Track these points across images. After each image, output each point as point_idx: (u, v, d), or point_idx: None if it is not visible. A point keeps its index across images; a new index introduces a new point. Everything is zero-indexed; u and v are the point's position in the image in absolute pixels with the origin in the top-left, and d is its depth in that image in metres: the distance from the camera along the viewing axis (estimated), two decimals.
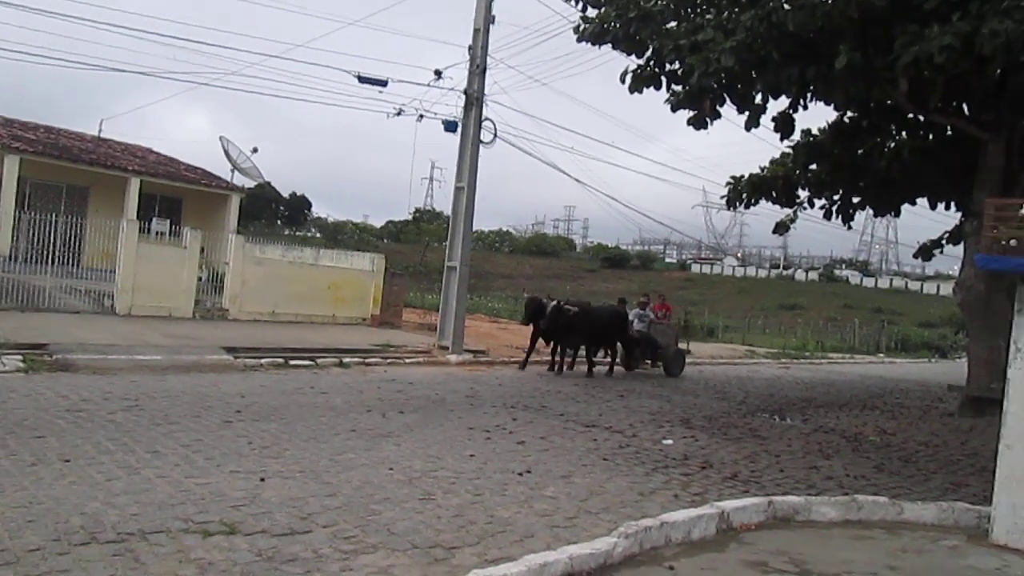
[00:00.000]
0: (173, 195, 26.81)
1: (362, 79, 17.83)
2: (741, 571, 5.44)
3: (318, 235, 66.82)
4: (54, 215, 18.21)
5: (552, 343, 17.02)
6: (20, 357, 10.97)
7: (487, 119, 18.45)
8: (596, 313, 17.47)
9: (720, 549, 5.90)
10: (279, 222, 66.93)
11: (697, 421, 11.97)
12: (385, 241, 69.77)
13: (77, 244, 18.90)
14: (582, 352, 17.75)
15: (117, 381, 10.43)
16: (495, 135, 18.48)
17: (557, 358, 17.04)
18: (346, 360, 14.83)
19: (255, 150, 30.83)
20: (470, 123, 18.25)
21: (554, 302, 16.35)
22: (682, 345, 20.45)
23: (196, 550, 4.80)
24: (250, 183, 33.41)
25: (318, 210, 74.22)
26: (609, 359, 18.21)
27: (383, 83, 18.07)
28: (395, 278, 24.61)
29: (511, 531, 5.79)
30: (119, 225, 18.44)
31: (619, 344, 18.33)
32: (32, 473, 6.00)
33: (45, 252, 17.71)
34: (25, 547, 4.56)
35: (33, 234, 17.84)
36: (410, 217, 74.93)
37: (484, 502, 6.47)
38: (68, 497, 5.50)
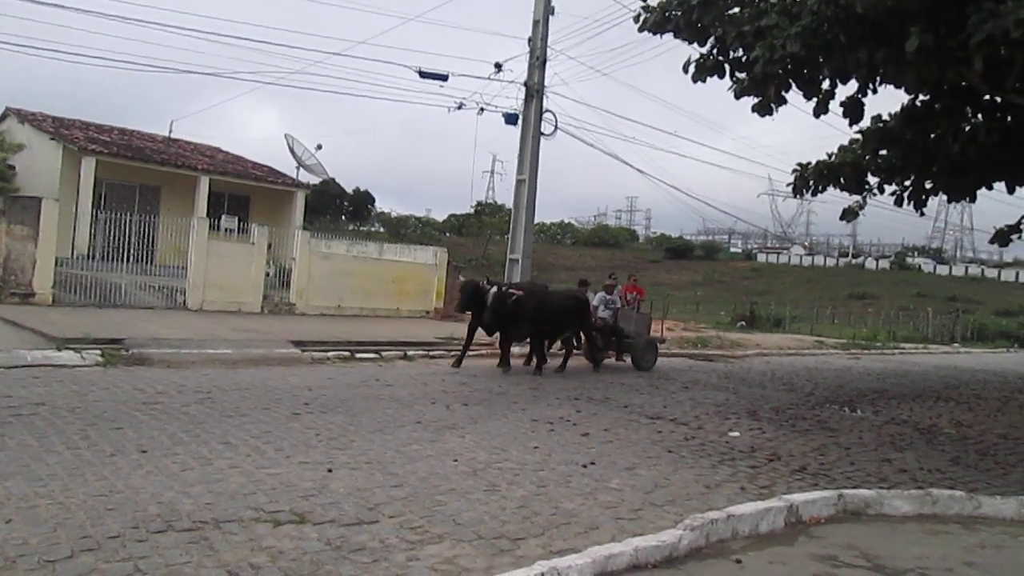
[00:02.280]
0: (241, 193, 27.41)
1: (423, 74, 17.96)
2: (810, 565, 5.34)
3: (382, 230, 67.53)
4: (128, 214, 18.77)
5: (499, 335, 14.61)
6: (99, 352, 11.34)
7: (548, 111, 18.40)
8: (548, 298, 14.98)
9: (788, 543, 5.81)
10: (343, 217, 67.81)
11: (764, 413, 11.78)
12: (447, 235, 70.15)
13: (150, 242, 19.48)
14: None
15: (190, 374, 10.72)
16: (556, 127, 18.44)
17: (542, 352, 14.87)
18: (410, 353, 14.99)
19: (319, 147, 31.29)
20: (530, 115, 18.22)
21: (494, 287, 13.76)
22: (656, 333, 18.22)
23: (267, 538, 4.91)
24: (315, 179, 33.96)
25: (381, 205, 74.91)
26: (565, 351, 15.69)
27: (444, 77, 18.17)
28: (458, 271, 24.74)
29: (576, 523, 5.78)
30: (190, 223, 18.95)
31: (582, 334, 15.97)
32: (111, 463, 6.21)
33: (121, 250, 18.29)
34: (105, 534, 4.72)
35: (109, 233, 18.45)
36: (472, 210, 75.13)
37: (548, 493, 6.48)
38: (145, 486, 5.68)
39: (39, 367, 10.24)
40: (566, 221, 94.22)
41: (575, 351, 15.90)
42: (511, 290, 13.86)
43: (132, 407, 8.33)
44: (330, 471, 6.53)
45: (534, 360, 14.71)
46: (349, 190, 65.18)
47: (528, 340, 15.02)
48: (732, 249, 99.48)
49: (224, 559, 4.55)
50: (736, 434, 9.87)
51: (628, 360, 16.87)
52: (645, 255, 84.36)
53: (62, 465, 6.03)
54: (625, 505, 6.34)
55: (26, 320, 13.15)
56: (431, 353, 15.46)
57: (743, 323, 35.74)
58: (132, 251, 18.49)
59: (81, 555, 4.40)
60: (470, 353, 14.47)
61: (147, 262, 19.23)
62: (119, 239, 18.36)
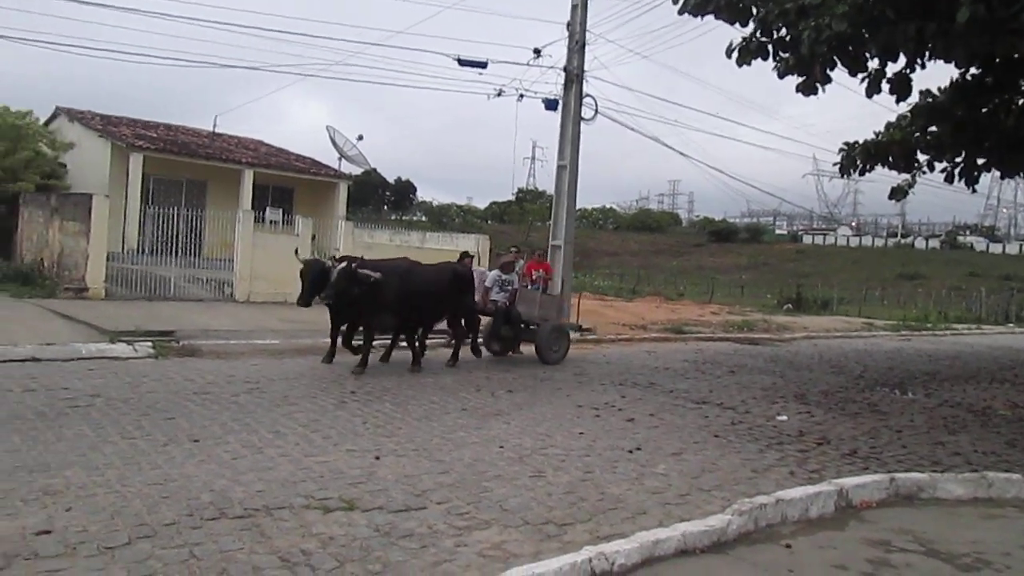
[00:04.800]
0: (284, 185, 27.70)
1: (462, 62, 17.92)
2: (862, 550, 5.27)
3: (423, 219, 67.96)
4: (176, 209, 19.10)
5: (347, 324, 11.55)
6: (150, 343, 11.58)
7: (588, 95, 18.26)
8: (414, 276, 11.70)
9: (839, 527, 5.74)
10: (385, 207, 68.31)
11: (812, 396, 11.63)
12: (489, 222, 70.27)
13: (198, 235, 19.78)
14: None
15: (239, 365, 10.89)
16: (596, 111, 18.28)
17: (416, 344, 12.08)
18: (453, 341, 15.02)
19: (360, 138, 31.47)
20: (570, 100, 18.11)
21: (342, 264, 10.86)
22: (570, 318, 15.69)
23: (317, 525, 4.98)
24: (357, 170, 34.18)
25: (423, 194, 75.36)
26: (454, 341, 12.87)
27: (483, 64, 18.11)
28: (499, 258, 24.76)
29: (622, 508, 5.78)
30: (235, 216, 19.21)
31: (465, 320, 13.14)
32: (165, 452, 6.35)
33: (169, 244, 18.63)
34: (161, 521, 4.83)
35: (158, 227, 18.80)
36: (513, 197, 75.18)
37: (595, 479, 6.48)
38: (198, 475, 5.80)
39: (94, 359, 10.48)
40: (608, 206, 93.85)
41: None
42: (363, 270, 10.84)
43: (184, 397, 8.50)
44: (377, 458, 6.60)
45: (329, 353, 11.60)
46: (391, 180, 65.58)
47: (374, 330, 11.55)
48: (777, 231, 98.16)
49: (276, 545, 4.63)
50: (784, 418, 9.76)
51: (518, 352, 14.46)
52: (688, 239, 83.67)
53: (118, 454, 6.18)
54: (672, 490, 6.31)
55: (80, 314, 13.46)
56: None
57: (789, 306, 35.30)
58: (180, 245, 18.81)
59: (138, 542, 4.51)
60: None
61: (195, 255, 19.54)
62: (167, 233, 18.70)
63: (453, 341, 12.94)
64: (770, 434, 8.77)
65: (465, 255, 14.50)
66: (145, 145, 23.73)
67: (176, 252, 18.62)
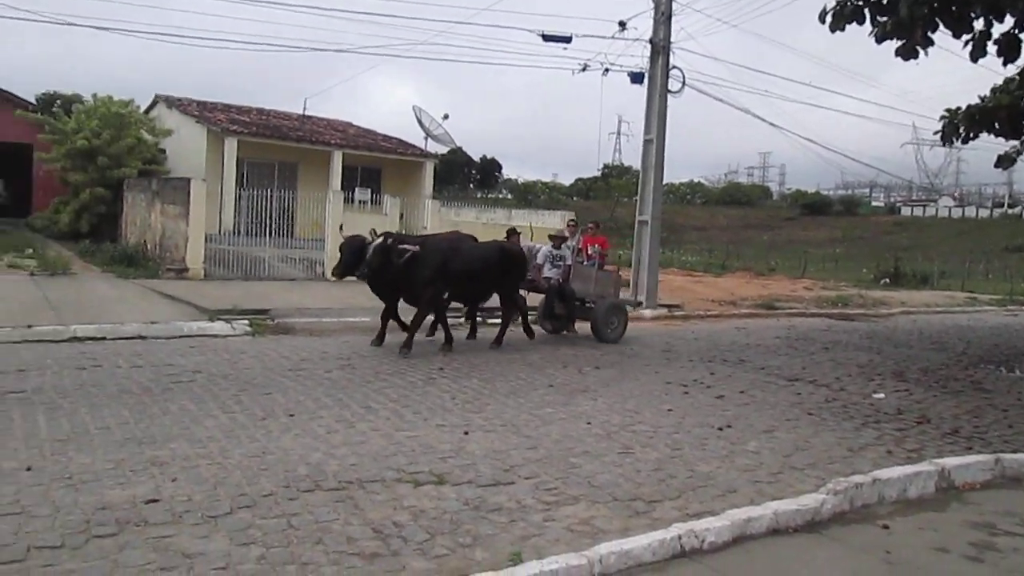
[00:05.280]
0: (372, 165, 28.14)
1: (546, 37, 17.83)
2: (965, 532, 5.08)
3: (509, 196, 68.06)
4: (268, 191, 19.64)
5: (387, 302, 11.20)
6: (247, 322, 11.97)
7: (674, 67, 17.94)
8: (458, 252, 11.15)
9: (940, 508, 5.55)
10: (471, 185, 68.69)
11: (911, 373, 11.24)
12: (575, 199, 69.94)
13: (290, 216, 20.31)
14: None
15: (331, 342, 11.16)
16: (683, 83, 17.96)
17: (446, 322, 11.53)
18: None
19: (446, 116, 31.71)
20: (657, 73, 17.82)
21: (378, 239, 10.50)
22: (627, 294, 14.76)
23: (408, 498, 5.09)
24: (443, 149, 34.48)
25: (508, 172, 75.47)
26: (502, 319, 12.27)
27: (567, 39, 17.97)
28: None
29: (712, 486, 5.71)
30: (325, 197, 19.62)
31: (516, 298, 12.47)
32: (263, 427, 6.57)
33: (263, 225, 19.19)
34: (260, 492, 5.01)
35: (252, 209, 19.38)
36: (599, 173, 74.60)
37: (684, 456, 6.42)
38: (294, 448, 5.98)
39: (194, 337, 10.90)
40: (696, 180, 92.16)
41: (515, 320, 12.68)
42: (403, 245, 10.53)
43: (279, 373, 8.77)
44: (466, 433, 6.69)
45: (379, 336, 11.15)
46: (476, 158, 65.89)
47: (420, 308, 10.98)
48: (874, 203, 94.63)
49: (369, 517, 4.75)
50: (881, 396, 9.46)
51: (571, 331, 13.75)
52: (780, 212, 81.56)
53: (219, 428, 6.43)
54: (763, 468, 6.21)
55: (181, 293, 14.01)
56: None
57: (887, 280, 34.08)
58: (273, 226, 19.33)
59: (239, 511, 4.69)
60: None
61: (287, 236, 20.05)
62: (261, 215, 19.27)
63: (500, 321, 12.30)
64: (866, 412, 8.52)
65: (512, 232, 13.74)
66: (239, 129, 24.43)
67: (269, 233, 19.14)
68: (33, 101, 29.37)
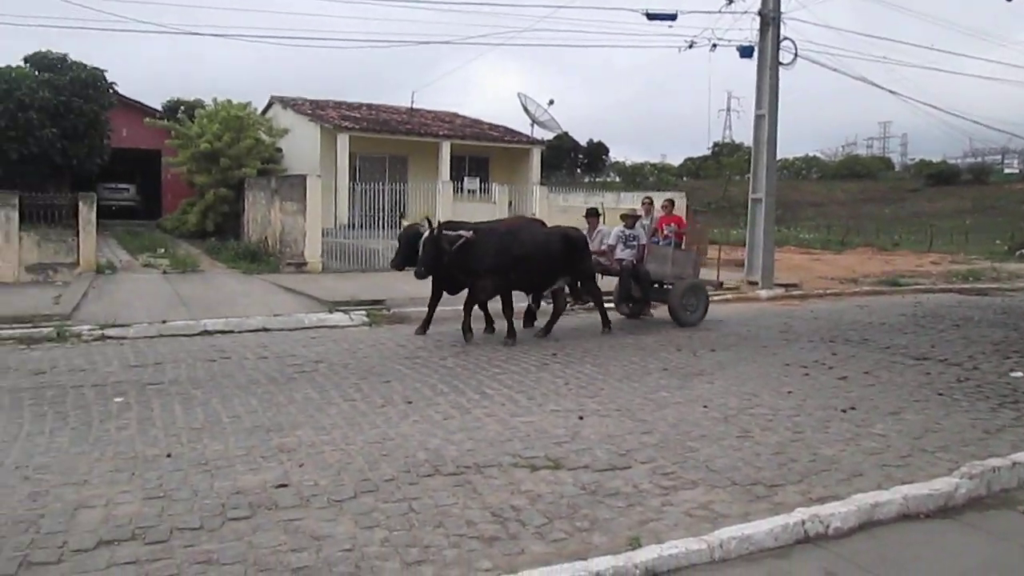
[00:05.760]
0: (480, 154, 28.40)
1: (651, 16, 17.53)
2: None
3: (617, 179, 67.39)
4: (380, 184, 20.11)
5: (438, 291, 10.91)
6: (364, 312, 12.30)
7: (785, 39, 17.36)
8: (516, 239, 10.61)
9: None
10: (578, 170, 68.35)
11: None
12: (684, 179, 68.65)
13: (401, 208, 20.74)
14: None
15: (445, 330, 11.28)
16: (795, 55, 17.35)
17: (487, 314, 11.17)
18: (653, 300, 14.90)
19: (551, 102, 31.59)
20: (767, 45, 17.29)
21: (426, 231, 10.13)
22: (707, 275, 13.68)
23: (525, 483, 5.14)
24: (549, 135, 34.44)
25: (616, 154, 74.49)
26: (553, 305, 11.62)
27: (672, 17, 17.64)
28: (697, 215, 24.29)
29: (836, 470, 5.54)
30: (435, 187, 19.95)
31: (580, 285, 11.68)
32: (382, 413, 6.76)
33: (375, 218, 19.68)
34: (382, 477, 5.17)
35: (364, 203, 19.90)
36: (709, 152, 72.96)
37: (805, 439, 6.24)
38: (413, 434, 6.13)
39: (315, 328, 11.30)
40: (811, 154, 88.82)
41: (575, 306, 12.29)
42: (457, 232, 10.14)
43: (396, 362, 8.99)
44: (581, 418, 6.69)
45: (424, 324, 10.98)
46: (583, 142, 65.46)
47: (476, 299, 10.72)
48: (1007, 170, 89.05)
49: (487, 501, 4.82)
50: (1019, 374, 8.94)
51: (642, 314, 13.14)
52: (903, 184, 77.82)
53: (341, 415, 6.65)
54: (891, 451, 5.97)
55: (301, 287, 14.53)
56: None
57: (1023, 251, 32.10)
58: (386, 218, 19.79)
59: (362, 496, 4.85)
60: (716, 297, 14.00)
61: (399, 227, 20.47)
62: (373, 208, 19.76)
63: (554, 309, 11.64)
64: (1003, 391, 8.07)
65: (592, 213, 13.14)
66: (350, 126, 25.07)
67: (383, 225, 19.60)
68: (160, 109, 30.98)
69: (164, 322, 10.80)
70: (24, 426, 6.15)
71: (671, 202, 14.17)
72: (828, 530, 4.46)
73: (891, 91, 21.29)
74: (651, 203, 14.03)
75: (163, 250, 20.26)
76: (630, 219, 12.74)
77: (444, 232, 10.06)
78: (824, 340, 11.15)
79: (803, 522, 4.43)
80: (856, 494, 4.87)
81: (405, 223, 11.01)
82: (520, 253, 10.50)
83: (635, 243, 12.51)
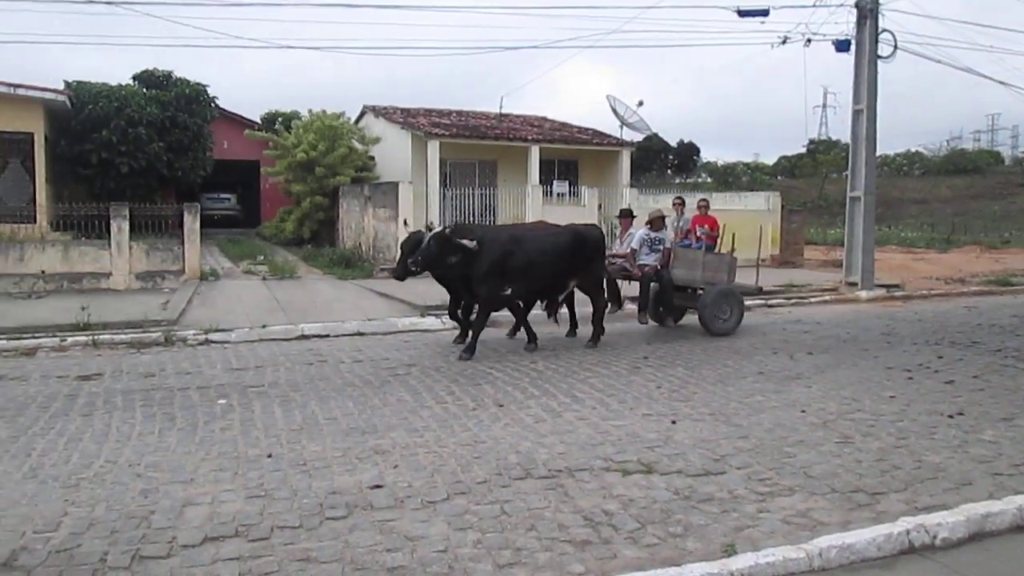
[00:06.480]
0: (569, 157, 28.35)
1: (742, 12, 17.19)
2: None
3: (708, 179, 66.31)
4: (470, 189, 20.35)
5: (456, 299, 10.66)
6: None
7: (884, 31, 16.77)
8: (522, 243, 9.98)
9: None
10: (669, 171, 67.57)
11: None
12: (779, 178, 67.02)
13: (492, 212, 20.91)
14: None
15: (542, 336, 11.32)
16: (895, 47, 16.73)
17: (526, 321, 10.57)
18: (747, 303, 14.60)
19: (640, 103, 31.25)
20: (865, 38, 16.74)
21: (434, 230, 9.85)
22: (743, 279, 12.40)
23: (617, 487, 5.10)
24: (638, 136, 34.09)
25: (707, 154, 73.32)
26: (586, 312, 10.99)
27: (764, 12, 17.24)
28: (792, 215, 23.70)
29: (943, 477, 5.31)
30: (524, 191, 20.05)
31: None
32: (474, 416, 6.82)
33: (466, 222, 19.87)
34: (474, 479, 5.21)
35: (455, 208, 20.15)
36: (804, 150, 71.08)
37: (909, 446, 6.01)
38: (505, 437, 6.17)
39: (407, 332, 11.49)
40: (913, 150, 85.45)
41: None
42: (459, 238, 9.58)
43: (487, 365, 9.05)
44: (674, 422, 6.61)
45: (462, 333, 10.54)
46: (673, 143, 64.73)
47: (482, 306, 10.12)
48: None
49: (579, 505, 4.81)
50: None
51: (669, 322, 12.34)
52: (1013, 178, 74.12)
53: (434, 418, 6.74)
54: (1003, 459, 5.70)
55: (394, 291, 14.75)
56: (769, 302, 14.97)
57: None
58: (476, 222, 19.98)
59: (455, 497, 4.90)
60: (814, 299, 13.69)
61: None
62: (464, 212, 19.99)
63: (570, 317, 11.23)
64: None
65: (625, 213, 12.63)
66: (440, 132, 25.39)
67: None
68: (258, 121, 32.09)
69: (264, 327, 11.16)
70: (136, 426, 6.45)
71: (706, 202, 13.39)
72: (935, 541, 4.28)
73: (1000, 82, 20.25)
74: (683, 203, 13.38)
75: (262, 257, 20.96)
76: (656, 221, 11.99)
77: (455, 236, 9.55)
78: (929, 343, 10.72)
79: (908, 532, 4.27)
80: (965, 503, 4.67)
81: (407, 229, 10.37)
82: (521, 263, 9.83)
83: (660, 247, 11.80)
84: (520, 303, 10.53)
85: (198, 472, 5.34)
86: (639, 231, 12.00)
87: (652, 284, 11.56)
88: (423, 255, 9.48)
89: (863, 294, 16.14)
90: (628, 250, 11.88)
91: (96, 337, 10.23)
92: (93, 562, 4.03)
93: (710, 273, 11.77)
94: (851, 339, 11.09)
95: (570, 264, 10.27)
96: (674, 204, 13.50)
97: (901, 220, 48.05)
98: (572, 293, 11.00)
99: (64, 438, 6.10)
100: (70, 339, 10.19)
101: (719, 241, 12.48)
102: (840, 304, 15.29)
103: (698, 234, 12.44)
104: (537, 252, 10.03)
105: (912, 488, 5.13)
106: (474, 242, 9.53)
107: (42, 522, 4.49)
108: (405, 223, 11.53)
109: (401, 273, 10.00)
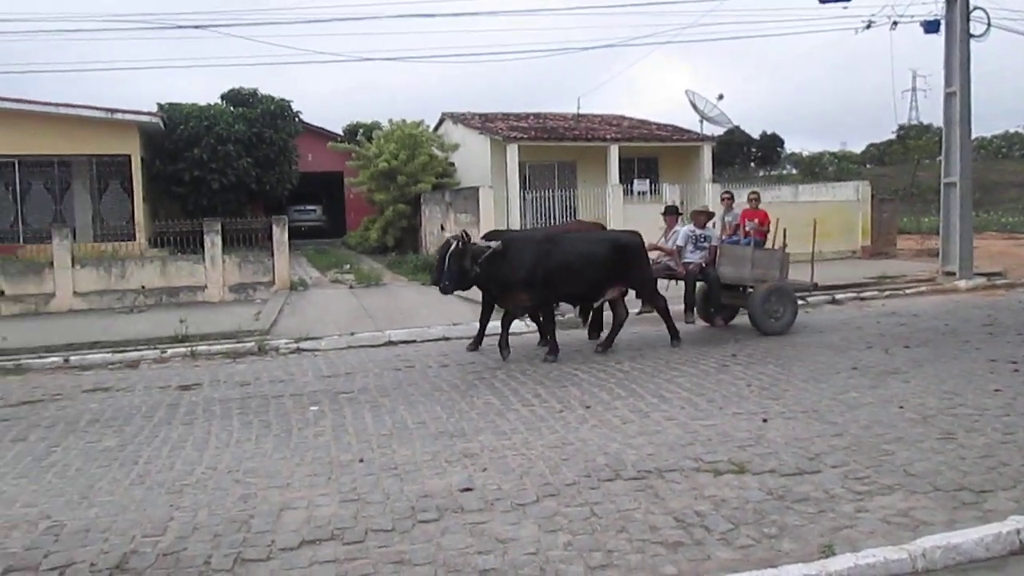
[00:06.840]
0: (649, 155, 28.09)
1: None
2: None
3: (794, 171, 64.73)
4: (550, 191, 20.38)
5: (488, 305, 10.57)
6: None
7: (976, 8, 16.09)
8: (557, 246, 9.80)
9: None
10: (752, 164, 66.27)
11: None
12: (868, 167, 64.92)
13: (572, 213, 20.88)
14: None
15: (628, 337, 11.23)
16: (988, 25, 16.04)
17: (552, 328, 10.04)
18: (838, 296, 14.23)
19: (720, 97, 30.79)
20: (955, 17, 16.09)
21: (452, 244, 9.43)
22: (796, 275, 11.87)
23: (708, 487, 5.03)
24: (719, 130, 33.57)
25: (791, 145, 71.65)
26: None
27: None
28: (884, 204, 22.95)
29: None
30: (605, 191, 19.96)
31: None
32: (561, 418, 6.82)
33: (547, 224, 19.92)
34: (563, 481, 5.21)
35: (536, 210, 20.21)
36: (893, 136, 68.71)
37: (1017, 442, 5.75)
38: (592, 439, 6.15)
39: (491, 336, 11.39)
40: (1013, 131, 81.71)
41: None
42: (483, 242, 9.59)
43: (572, 367, 9.04)
44: (765, 421, 6.48)
45: (475, 340, 10.57)
46: (755, 135, 63.50)
47: (513, 313, 10.16)
48: None
49: (670, 506, 4.76)
50: None
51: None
52: None
53: (521, 421, 6.76)
54: None
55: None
56: (861, 294, 14.53)
57: None
58: (556, 224, 19.98)
59: (545, 500, 4.91)
60: (909, 290, 13.23)
61: None
62: (545, 215, 20.03)
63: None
64: None
65: (671, 210, 12.23)
66: (518, 136, 25.48)
67: None
68: (340, 133, 32.84)
69: (352, 334, 11.40)
70: (233, 433, 6.67)
71: (756, 195, 12.97)
72: None
73: None
74: (731, 198, 12.98)
75: (348, 266, 21.43)
76: (702, 217, 11.54)
77: (470, 245, 9.39)
78: None
79: (1019, 531, 4.09)
80: None
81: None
82: (558, 263, 9.61)
83: (706, 244, 11.37)
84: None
85: (294, 477, 5.49)
86: (684, 228, 11.62)
87: (698, 283, 11.31)
88: (448, 278, 9.38)
89: (962, 283, 15.50)
90: (673, 247, 11.48)
91: (194, 348, 10.65)
92: (198, 565, 4.19)
93: (760, 270, 11.32)
94: (950, 331, 10.66)
95: (612, 271, 9.99)
96: (722, 199, 13.15)
97: (1001, 205, 45.94)
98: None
99: (167, 446, 6.36)
100: (170, 351, 10.63)
101: (772, 237, 12.03)
102: (937, 295, 14.72)
103: (747, 229, 12.12)
104: (575, 256, 9.80)
105: (1021, 486, 4.91)
106: (496, 243, 9.46)
107: (150, 526, 4.69)
108: (442, 228, 11.32)
109: (434, 282, 10.00)
